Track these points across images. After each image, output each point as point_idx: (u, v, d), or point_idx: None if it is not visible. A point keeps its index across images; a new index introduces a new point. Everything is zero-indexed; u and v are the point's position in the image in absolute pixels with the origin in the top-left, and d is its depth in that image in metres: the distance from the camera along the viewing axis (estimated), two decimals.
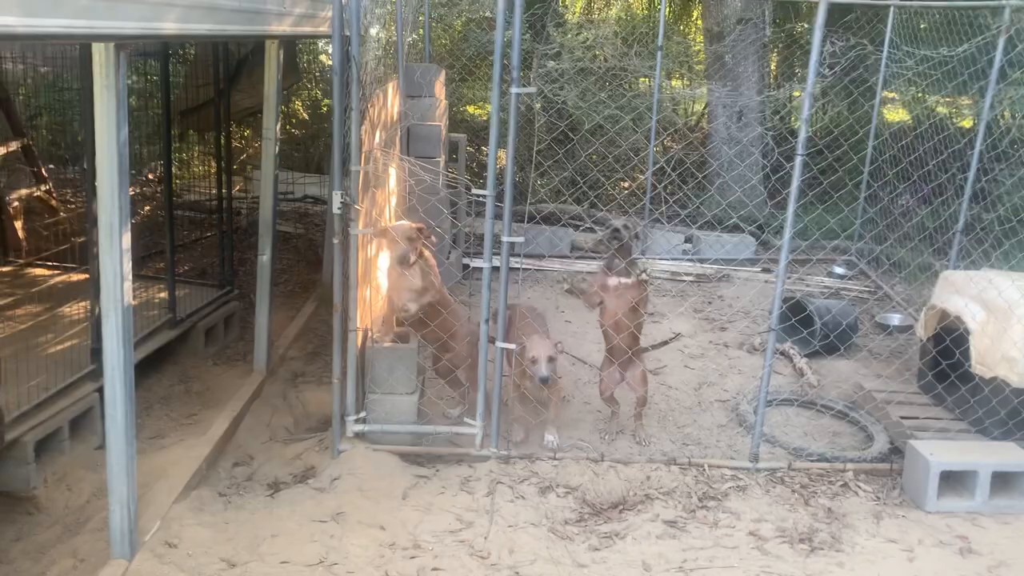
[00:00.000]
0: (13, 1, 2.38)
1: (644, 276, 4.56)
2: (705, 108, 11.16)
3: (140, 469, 3.54)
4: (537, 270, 7.98)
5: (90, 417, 4.41)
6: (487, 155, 4.25)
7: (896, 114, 9.88)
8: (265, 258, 5.08)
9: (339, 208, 4.07)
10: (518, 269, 7.49)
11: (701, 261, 8.47)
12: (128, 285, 3.19)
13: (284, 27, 4.82)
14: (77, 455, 4.29)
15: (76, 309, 5.24)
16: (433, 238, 4.65)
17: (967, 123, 10.24)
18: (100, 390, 3.41)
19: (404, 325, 4.66)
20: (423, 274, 4.53)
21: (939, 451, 4.33)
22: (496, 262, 4.25)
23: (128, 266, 3.17)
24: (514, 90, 4.05)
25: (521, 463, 4.42)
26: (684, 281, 8.04)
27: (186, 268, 6.05)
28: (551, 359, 4.46)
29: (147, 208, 6.54)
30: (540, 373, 4.39)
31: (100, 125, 3.01)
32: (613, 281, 4.56)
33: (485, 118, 10.94)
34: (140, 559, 3.40)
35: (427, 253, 4.61)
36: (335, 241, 4.13)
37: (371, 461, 4.32)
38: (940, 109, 9.66)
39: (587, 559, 3.70)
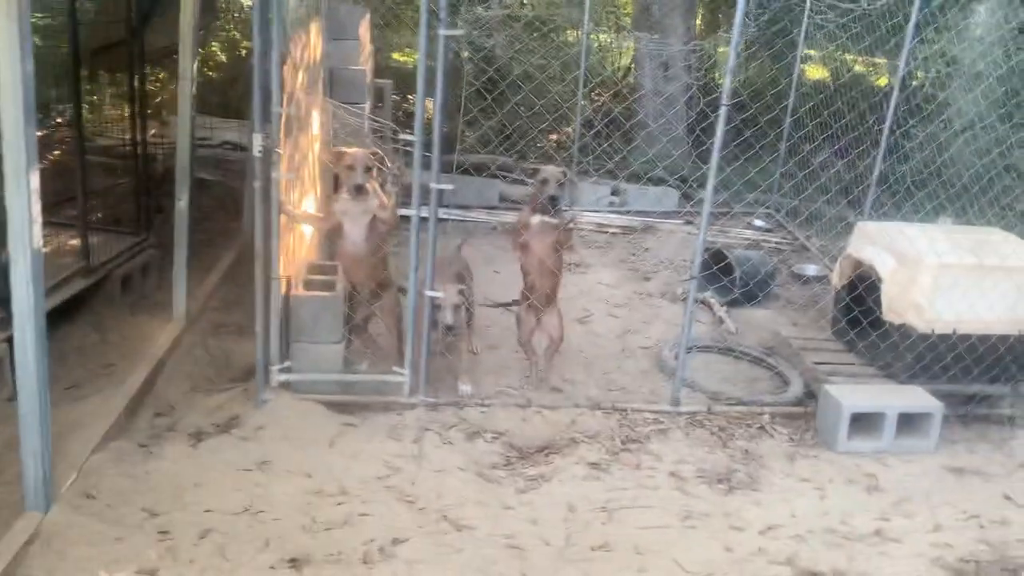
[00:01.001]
0: None
1: (568, 220, 4.59)
2: (632, 59, 11.18)
3: (56, 420, 3.42)
4: (466, 220, 7.95)
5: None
6: (414, 104, 4.19)
7: (816, 70, 10.08)
8: (182, 204, 4.91)
9: (260, 151, 3.95)
10: (446, 219, 7.46)
11: (625, 213, 8.56)
12: (38, 228, 3.05)
13: None
14: None
15: None
16: (390, 165, 4.53)
17: (882, 81, 10.53)
18: (9, 340, 3.26)
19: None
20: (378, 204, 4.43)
21: (850, 394, 4.52)
22: (424, 212, 4.22)
23: (37, 208, 3.03)
24: (442, 31, 3.98)
25: (449, 410, 4.44)
26: (609, 232, 8.13)
27: (100, 216, 5.79)
28: (457, 307, 4.45)
29: (57, 153, 6.22)
30: (445, 320, 4.40)
31: (3, 57, 2.83)
32: (536, 219, 4.56)
33: (412, 65, 10.74)
34: (56, 511, 3.31)
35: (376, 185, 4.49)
36: (255, 186, 4.02)
37: (297, 410, 4.27)
38: (858, 67, 9.91)
39: (514, 501, 3.77)
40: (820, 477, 4.19)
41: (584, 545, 3.50)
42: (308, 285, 4.54)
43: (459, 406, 4.47)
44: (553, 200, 4.50)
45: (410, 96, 10.25)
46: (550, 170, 4.55)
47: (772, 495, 4.00)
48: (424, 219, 4.23)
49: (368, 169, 4.31)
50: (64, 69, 5.14)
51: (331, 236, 4.71)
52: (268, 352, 4.28)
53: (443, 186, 4.14)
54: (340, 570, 3.20)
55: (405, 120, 10.02)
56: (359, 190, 4.29)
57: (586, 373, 5.09)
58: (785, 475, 4.19)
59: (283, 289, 4.33)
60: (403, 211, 4.31)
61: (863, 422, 4.45)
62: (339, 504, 3.61)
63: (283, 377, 4.34)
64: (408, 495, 3.73)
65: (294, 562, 3.21)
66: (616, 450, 4.24)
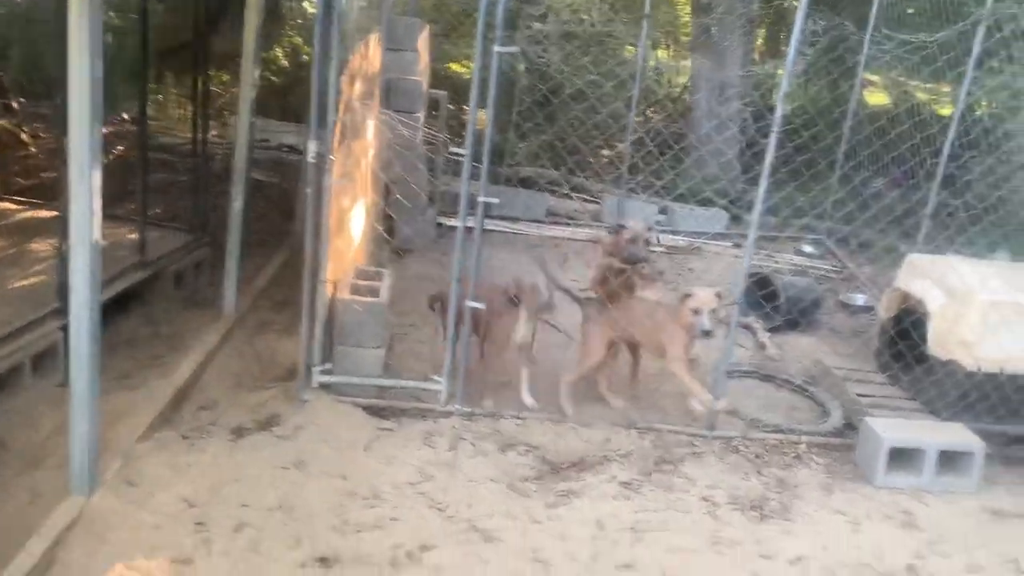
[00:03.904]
0: None
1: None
2: (688, 80, 11.15)
3: (103, 408, 3.54)
4: (511, 233, 8.01)
5: (53, 354, 4.39)
6: (468, 114, 4.27)
7: (877, 97, 9.96)
8: (237, 204, 5.05)
9: (314, 157, 4.05)
10: (492, 231, 7.52)
11: (674, 233, 8.54)
12: (97, 222, 3.17)
13: None
14: (39, 391, 4.28)
15: (44, 245, 5.18)
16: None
17: (946, 111, 10.32)
18: (65, 328, 3.39)
19: None
20: None
21: (890, 428, 4.45)
22: (470, 223, 4.28)
23: (98, 203, 3.15)
24: (497, 48, 4.04)
25: (484, 421, 4.48)
26: (656, 252, 8.11)
27: (158, 212, 5.99)
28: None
29: (120, 148, 6.44)
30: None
31: (74, 58, 2.96)
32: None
33: (468, 76, 10.87)
34: (99, 496, 3.43)
35: None
36: (308, 191, 4.12)
37: (335, 412, 4.36)
38: (920, 95, 9.75)
39: (543, 515, 3.79)
40: (855, 511, 4.13)
41: (610, 563, 3.50)
42: (354, 290, 4.62)
43: (494, 418, 4.50)
44: (636, 259, 4.54)
45: (465, 106, 10.38)
46: (638, 227, 4.60)
47: (804, 526, 3.95)
48: (469, 229, 4.29)
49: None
50: (132, 68, 5.33)
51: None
52: (311, 353, 4.37)
53: (490, 199, 4.19)
54: (368, 572, 3.26)
55: (459, 129, 10.15)
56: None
57: (623, 393, 5.08)
58: (819, 506, 4.14)
59: (329, 293, 4.42)
60: (451, 221, 4.37)
61: (903, 457, 4.38)
62: (371, 507, 3.67)
63: (324, 379, 4.43)
64: (439, 503, 3.77)
65: (323, 561, 3.28)
66: (648, 470, 4.23)
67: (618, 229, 4.72)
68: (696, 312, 4.48)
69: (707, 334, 4.48)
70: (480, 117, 4.45)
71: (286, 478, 3.80)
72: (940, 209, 6.98)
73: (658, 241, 7.93)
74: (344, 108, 4.28)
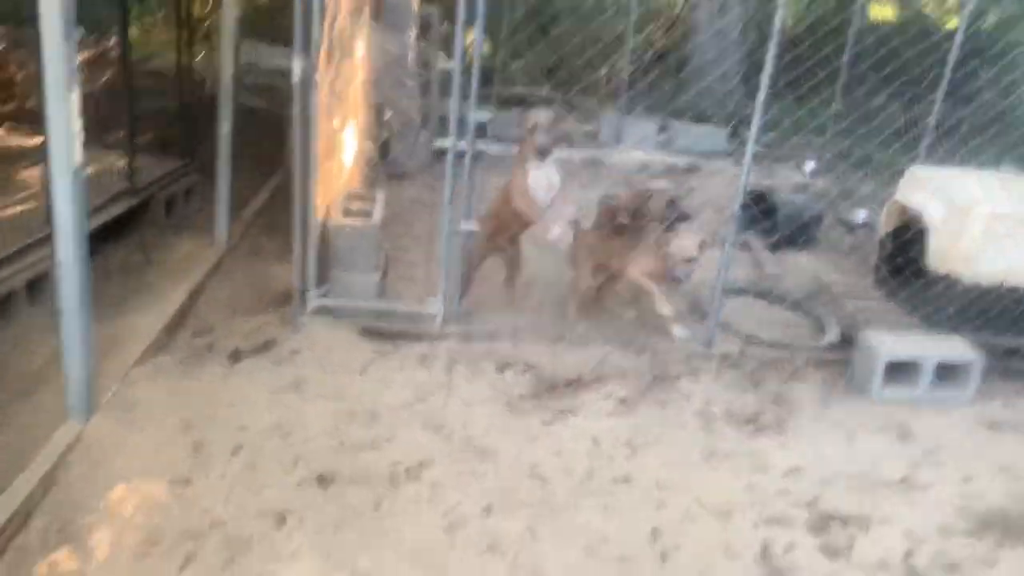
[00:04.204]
0: None
1: None
2: None
3: (98, 335, 3.54)
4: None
5: (48, 281, 4.36)
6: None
7: (881, 10, 9.68)
8: (225, 128, 4.95)
9: (299, 77, 3.95)
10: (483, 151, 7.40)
11: (672, 152, 8.42)
12: (78, 145, 3.10)
13: None
14: (35, 318, 4.26)
15: (33, 172, 5.10)
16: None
17: (952, 23, 10.06)
18: None
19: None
20: None
21: (887, 342, 4.44)
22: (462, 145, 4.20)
23: (78, 125, 3.07)
24: None
25: (480, 343, 4.48)
26: (654, 172, 8.01)
27: (147, 139, 5.89)
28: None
29: (103, 75, 6.29)
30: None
31: None
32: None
33: None
34: (96, 420, 3.45)
35: None
36: (295, 112, 4.03)
37: (331, 336, 4.35)
38: (926, 7, 9.48)
39: (539, 432, 3.81)
40: (851, 423, 4.15)
41: (606, 478, 3.53)
42: (346, 213, 4.57)
43: (491, 339, 4.50)
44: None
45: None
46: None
47: (800, 438, 3.98)
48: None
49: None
50: None
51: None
52: (305, 278, 4.34)
53: (480, 117, 4.10)
54: (366, 489, 3.28)
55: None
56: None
57: (620, 311, 5.07)
58: (815, 420, 4.16)
59: (321, 217, 4.37)
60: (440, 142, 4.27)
61: (899, 371, 4.38)
62: (368, 428, 3.69)
63: (319, 302, 4.41)
64: (436, 422, 3.79)
65: (321, 479, 3.31)
66: (645, 388, 4.24)
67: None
68: (674, 258, 4.45)
69: (679, 282, 4.44)
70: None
71: (283, 401, 3.82)
72: (943, 121, 6.83)
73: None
74: (330, 24, 4.15)
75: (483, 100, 8.48)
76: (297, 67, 3.93)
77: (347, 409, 3.80)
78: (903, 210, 5.09)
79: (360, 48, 5.46)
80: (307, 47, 3.93)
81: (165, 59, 6.61)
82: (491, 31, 9.52)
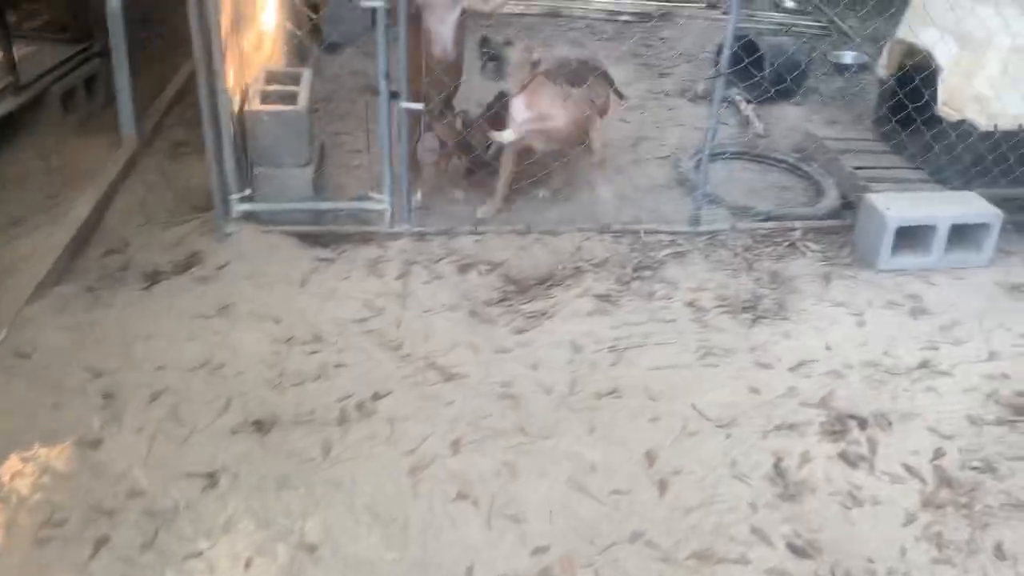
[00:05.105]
0: None
1: None
2: None
3: None
4: None
5: None
6: None
7: None
8: (115, 3, 4.14)
9: None
10: None
11: None
12: None
13: None
14: None
15: None
16: None
17: None
18: None
19: None
20: None
21: (895, 204, 3.94)
22: None
23: None
24: None
25: (438, 240, 3.91)
26: (621, 21, 7.22)
27: (36, 23, 5.05)
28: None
29: None
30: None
31: None
32: None
33: None
34: None
35: None
36: None
37: (263, 244, 3.76)
38: None
39: (510, 343, 3.32)
40: (858, 301, 3.70)
41: (589, 391, 3.07)
42: (265, 98, 3.87)
43: (449, 235, 3.93)
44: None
45: None
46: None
47: (803, 325, 3.53)
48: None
49: None
50: None
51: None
52: (224, 179, 3.70)
53: None
54: (311, 432, 2.80)
55: None
56: None
57: (593, 190, 4.49)
58: (818, 300, 3.70)
59: (235, 104, 3.69)
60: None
61: (908, 235, 3.89)
62: (311, 354, 3.17)
63: (245, 207, 3.79)
64: (391, 340, 3.28)
65: (259, 425, 2.81)
66: (627, 279, 3.73)
67: None
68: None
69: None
70: None
71: (209, 328, 3.27)
72: None
73: None
74: None
75: None
76: None
77: (285, 332, 3.27)
78: (909, 49, 4.46)
79: None
80: None
81: None
82: None
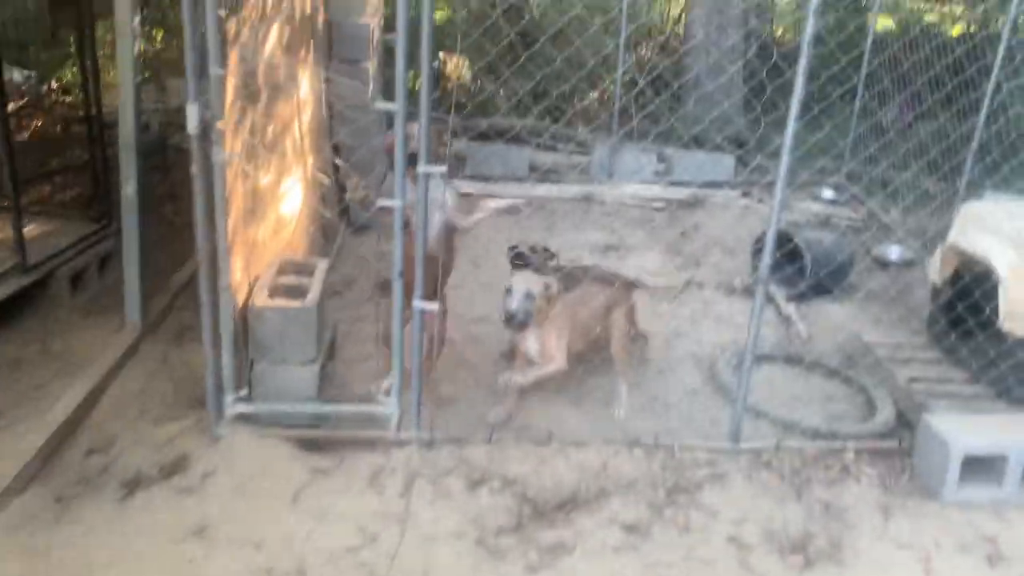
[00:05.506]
0: None
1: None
2: (683, 12, 10.03)
3: None
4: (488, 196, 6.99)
5: None
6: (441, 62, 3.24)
7: (881, 19, 8.88)
8: (130, 188, 4.03)
9: (196, 127, 3.05)
10: (470, 194, 6.49)
11: (672, 184, 7.52)
12: None
13: None
14: None
15: None
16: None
17: (956, 30, 9.30)
18: None
19: None
20: None
21: (960, 429, 3.52)
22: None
23: None
24: None
25: (447, 449, 3.54)
26: (653, 208, 7.11)
27: (57, 200, 5.01)
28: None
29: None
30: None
31: None
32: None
33: (439, 20, 9.71)
34: None
35: None
36: (192, 172, 3.12)
37: (256, 450, 3.42)
38: (928, 17, 8.71)
39: None
40: (923, 540, 3.23)
41: None
42: (274, 291, 3.65)
43: (460, 444, 3.56)
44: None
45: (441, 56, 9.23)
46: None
47: (862, 569, 3.05)
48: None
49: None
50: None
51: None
52: (220, 379, 3.42)
53: (433, 169, 3.20)
54: None
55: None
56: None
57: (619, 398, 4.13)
58: (877, 538, 3.23)
59: (240, 299, 3.46)
60: (384, 202, 3.33)
61: (976, 463, 3.45)
62: None
63: (240, 407, 3.48)
64: None
65: None
66: (659, 504, 3.31)
67: None
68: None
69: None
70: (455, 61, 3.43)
71: (182, 555, 2.88)
72: (965, 141, 5.92)
73: None
74: (238, 58, 3.27)
75: (463, 133, 7.68)
76: (192, 115, 3.03)
77: (266, 562, 2.87)
78: (962, 256, 4.17)
79: (303, 85, 4.59)
80: (203, 85, 3.03)
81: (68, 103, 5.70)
82: (473, 58, 8.71)
